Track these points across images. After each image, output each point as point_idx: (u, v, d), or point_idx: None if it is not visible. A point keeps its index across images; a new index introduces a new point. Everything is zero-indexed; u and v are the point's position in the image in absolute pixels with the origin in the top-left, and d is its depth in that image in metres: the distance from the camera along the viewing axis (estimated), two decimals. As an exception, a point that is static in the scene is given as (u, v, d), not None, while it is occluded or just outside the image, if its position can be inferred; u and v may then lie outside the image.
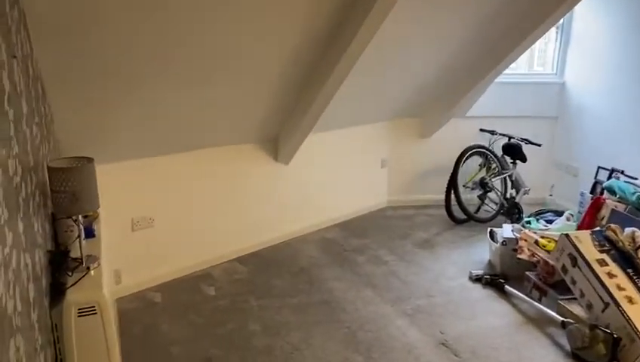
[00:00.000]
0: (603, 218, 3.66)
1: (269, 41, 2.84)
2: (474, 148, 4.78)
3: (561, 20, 4.71)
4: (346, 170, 4.82)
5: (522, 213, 4.77)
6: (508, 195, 4.95)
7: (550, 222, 3.84)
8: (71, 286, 1.92)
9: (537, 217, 3.94)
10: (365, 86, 3.97)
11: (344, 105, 4.02)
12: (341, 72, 3.19)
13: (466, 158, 4.75)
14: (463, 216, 4.79)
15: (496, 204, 4.91)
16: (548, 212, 4.07)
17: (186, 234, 3.67)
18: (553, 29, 4.85)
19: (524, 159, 4.89)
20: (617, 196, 3.65)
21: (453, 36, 3.93)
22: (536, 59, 5.57)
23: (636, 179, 3.82)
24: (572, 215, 3.83)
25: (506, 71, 4.65)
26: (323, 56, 3.19)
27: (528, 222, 3.83)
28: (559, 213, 4.03)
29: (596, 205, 3.77)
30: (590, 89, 4.85)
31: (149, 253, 3.48)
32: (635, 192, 3.48)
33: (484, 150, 4.87)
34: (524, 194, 4.96)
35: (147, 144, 3.21)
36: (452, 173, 4.71)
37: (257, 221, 4.15)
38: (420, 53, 3.96)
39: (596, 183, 4.67)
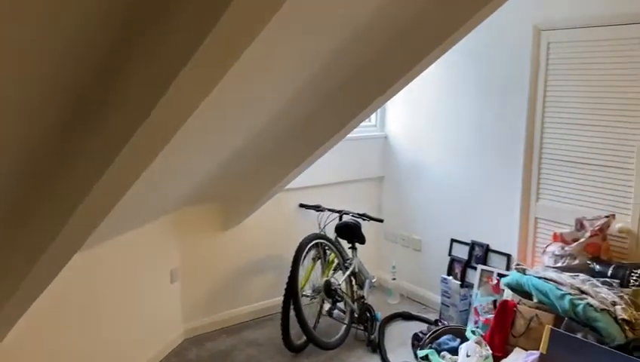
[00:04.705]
0: (522, 334, 2.59)
1: None
2: (316, 239, 3.33)
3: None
4: (112, 308, 2.79)
5: (374, 314, 3.50)
6: (355, 295, 3.60)
7: (454, 351, 2.60)
8: None
9: (434, 345, 2.66)
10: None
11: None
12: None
13: (307, 253, 3.27)
14: (302, 339, 3.27)
15: (344, 312, 3.51)
16: (443, 333, 2.82)
17: None
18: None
19: (362, 240, 3.66)
20: (535, 300, 2.62)
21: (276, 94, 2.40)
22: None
23: (523, 267, 2.83)
24: (475, 332, 2.67)
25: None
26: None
27: (425, 358, 2.52)
28: (456, 331, 2.82)
29: (504, 313, 2.68)
30: (420, 143, 3.92)
31: None
32: (564, 294, 2.46)
33: (322, 238, 3.45)
34: (371, 287, 3.71)
35: None
36: (290, 279, 3.17)
37: None
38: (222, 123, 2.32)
39: (453, 261, 3.73)
